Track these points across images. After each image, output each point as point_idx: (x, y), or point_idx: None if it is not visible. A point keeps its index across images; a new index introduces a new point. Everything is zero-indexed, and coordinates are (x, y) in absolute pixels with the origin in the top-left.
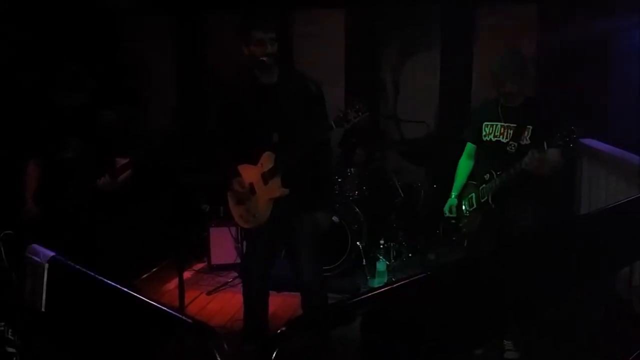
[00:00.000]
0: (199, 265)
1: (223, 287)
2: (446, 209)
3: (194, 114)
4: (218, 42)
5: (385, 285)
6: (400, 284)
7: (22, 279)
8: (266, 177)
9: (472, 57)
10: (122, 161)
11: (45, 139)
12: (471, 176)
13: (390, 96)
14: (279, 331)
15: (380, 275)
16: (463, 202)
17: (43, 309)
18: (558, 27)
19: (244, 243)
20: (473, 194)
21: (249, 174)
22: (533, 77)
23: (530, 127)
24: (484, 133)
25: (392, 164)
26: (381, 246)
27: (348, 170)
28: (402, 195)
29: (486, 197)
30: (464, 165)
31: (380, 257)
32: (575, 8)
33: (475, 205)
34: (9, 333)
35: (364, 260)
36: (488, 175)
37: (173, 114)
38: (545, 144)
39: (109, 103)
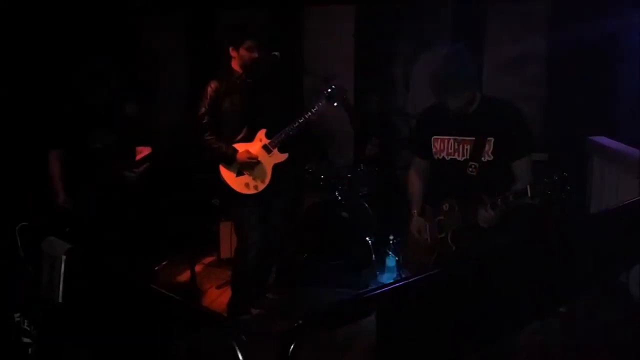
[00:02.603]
0: (209, 259)
1: None
2: (414, 229)
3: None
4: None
5: (400, 280)
6: (415, 279)
7: (39, 271)
8: (269, 148)
9: (482, 54)
10: (144, 150)
11: (76, 131)
12: (426, 198)
13: (399, 92)
14: (296, 324)
15: (390, 270)
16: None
17: (60, 300)
18: (568, 25)
19: (238, 215)
20: (427, 225)
21: (250, 148)
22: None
23: (492, 138)
24: (433, 150)
25: (402, 159)
26: (390, 242)
27: (358, 167)
28: None
29: (444, 234)
30: (416, 185)
31: (390, 253)
32: (585, 6)
33: (429, 239)
34: (25, 324)
35: (374, 256)
36: (447, 205)
37: (184, 109)
38: (528, 189)
39: (129, 97)
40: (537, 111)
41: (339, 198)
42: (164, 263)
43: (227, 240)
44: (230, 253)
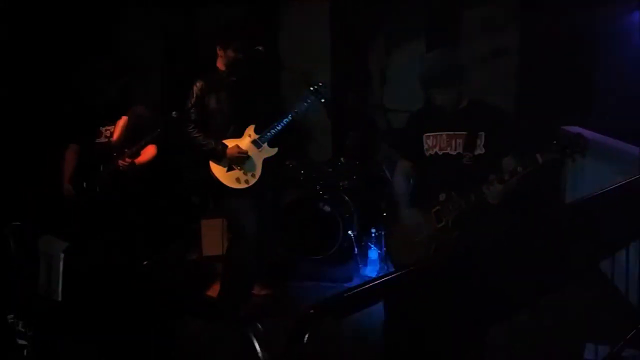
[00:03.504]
0: (191, 256)
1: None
2: (412, 221)
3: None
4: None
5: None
6: (423, 265)
7: (36, 270)
8: (258, 143)
9: (457, 47)
10: (149, 149)
11: (85, 127)
12: (413, 199)
13: (376, 85)
14: (308, 312)
15: (373, 263)
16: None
17: (59, 299)
18: (543, 17)
19: (231, 210)
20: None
21: (240, 143)
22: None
23: (483, 133)
24: (425, 147)
25: (381, 152)
26: (372, 235)
27: (338, 160)
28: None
29: (443, 223)
30: (403, 186)
31: (372, 246)
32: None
33: (423, 232)
34: (20, 325)
35: (356, 249)
36: (444, 195)
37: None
38: (538, 156)
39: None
40: (509, 104)
41: (320, 192)
42: (145, 262)
43: (209, 239)
44: (213, 251)
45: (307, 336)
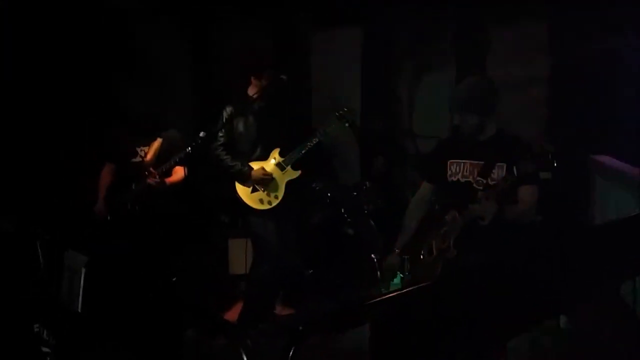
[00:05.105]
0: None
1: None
2: (386, 268)
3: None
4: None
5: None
6: (406, 290)
7: (59, 282)
8: (282, 166)
9: (485, 73)
10: (179, 170)
11: (123, 147)
12: (426, 220)
13: (405, 112)
14: (296, 330)
15: (395, 287)
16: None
17: (79, 310)
18: (569, 44)
19: (254, 230)
20: (432, 241)
21: (265, 165)
22: (498, 107)
23: (504, 164)
24: (449, 172)
25: (408, 178)
26: None
27: (364, 184)
28: None
29: (447, 244)
30: (418, 211)
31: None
32: (586, 25)
33: (434, 253)
34: (45, 334)
35: (379, 273)
36: (450, 216)
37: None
38: (514, 169)
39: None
40: (539, 131)
41: (345, 215)
42: (174, 279)
43: (236, 257)
44: (240, 270)
45: (292, 351)
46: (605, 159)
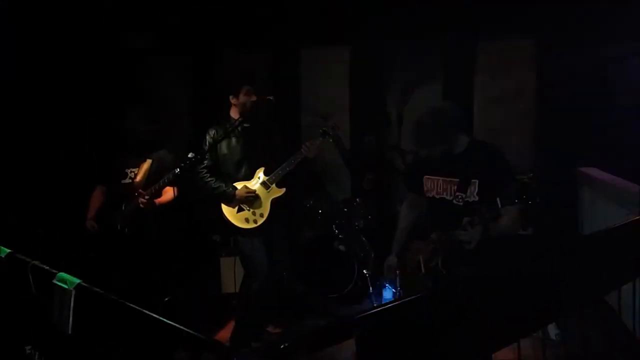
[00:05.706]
0: (211, 294)
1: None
2: (385, 269)
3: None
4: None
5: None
6: (391, 305)
7: (50, 305)
8: (267, 184)
9: (472, 89)
10: (169, 190)
11: (114, 170)
12: (417, 230)
13: (394, 128)
14: (282, 346)
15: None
16: (408, 265)
17: (70, 332)
18: (557, 58)
19: (242, 249)
20: (420, 257)
21: (248, 184)
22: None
23: (477, 181)
24: (425, 188)
25: (398, 193)
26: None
27: (354, 200)
28: None
29: (435, 262)
30: (407, 217)
31: (387, 285)
32: (574, 39)
33: (422, 270)
34: (36, 356)
35: (371, 288)
36: (435, 235)
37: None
38: (498, 201)
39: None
40: (527, 144)
41: (336, 231)
42: (166, 299)
43: (228, 276)
44: (232, 288)
45: None
46: (593, 172)
